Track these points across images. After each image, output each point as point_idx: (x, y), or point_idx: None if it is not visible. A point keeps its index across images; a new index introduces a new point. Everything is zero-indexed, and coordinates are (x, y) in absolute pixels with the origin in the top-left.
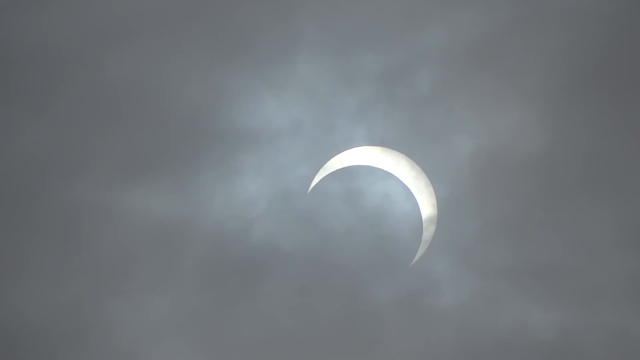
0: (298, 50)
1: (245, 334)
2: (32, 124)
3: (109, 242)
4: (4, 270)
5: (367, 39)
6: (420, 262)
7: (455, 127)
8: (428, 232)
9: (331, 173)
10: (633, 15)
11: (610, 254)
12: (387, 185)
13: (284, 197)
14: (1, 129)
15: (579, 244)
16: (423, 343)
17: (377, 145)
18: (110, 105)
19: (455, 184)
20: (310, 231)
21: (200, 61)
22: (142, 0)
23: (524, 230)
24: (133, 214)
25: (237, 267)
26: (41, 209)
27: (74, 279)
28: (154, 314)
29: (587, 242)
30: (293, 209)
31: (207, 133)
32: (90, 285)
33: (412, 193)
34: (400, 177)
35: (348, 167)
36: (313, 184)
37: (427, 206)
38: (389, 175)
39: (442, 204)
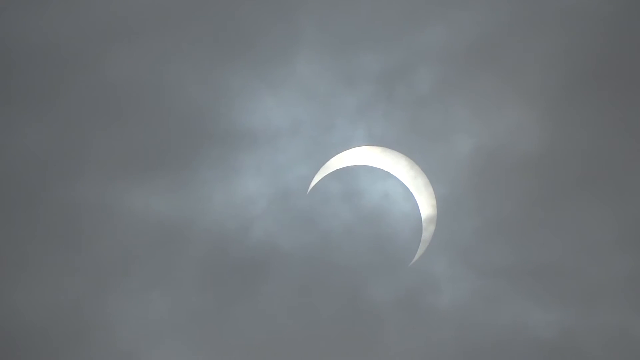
0: (298, 50)
1: (245, 333)
2: (32, 124)
3: (109, 242)
4: (4, 270)
5: (367, 38)
6: (419, 262)
7: (455, 127)
8: (427, 232)
9: (331, 173)
10: (633, 15)
11: (610, 254)
12: (386, 185)
13: (284, 196)
14: (1, 129)
15: (579, 244)
16: (423, 343)
17: (377, 145)
18: (110, 105)
19: (455, 184)
20: (310, 231)
21: (200, 61)
22: (142, 0)
23: (524, 230)
24: (133, 213)
25: (237, 267)
26: (41, 209)
27: (74, 279)
28: (153, 314)
29: (587, 242)
30: (293, 209)
31: (206, 132)
32: (90, 285)
33: (411, 193)
34: (400, 177)
35: (348, 167)
36: (313, 183)
37: (426, 206)
38: (388, 175)
39: (442, 204)
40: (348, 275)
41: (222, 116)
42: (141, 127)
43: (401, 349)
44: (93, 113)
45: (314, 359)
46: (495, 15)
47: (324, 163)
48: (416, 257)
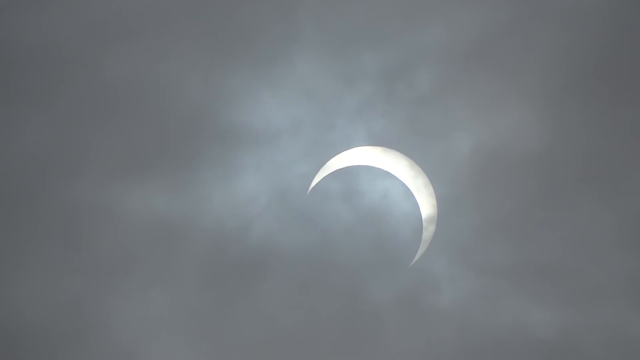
0: (298, 50)
1: (245, 332)
2: (32, 123)
3: (109, 241)
4: (4, 270)
5: (367, 38)
6: (420, 262)
7: (454, 127)
8: (428, 232)
9: (331, 173)
10: (633, 15)
11: (610, 254)
12: (386, 185)
13: (284, 196)
14: (1, 129)
15: (579, 243)
16: (423, 342)
17: (377, 145)
18: (110, 105)
19: (455, 183)
20: (309, 230)
21: (199, 61)
22: (142, 0)
23: (524, 230)
24: (133, 213)
25: (237, 266)
26: (41, 209)
27: (74, 279)
28: (153, 313)
29: (587, 242)
30: (292, 208)
31: (206, 132)
32: (90, 285)
33: (411, 193)
34: (400, 177)
35: (348, 167)
36: (313, 184)
37: (426, 206)
38: (388, 175)
39: (442, 204)
40: (348, 275)
41: (222, 116)
42: (141, 127)
43: (401, 348)
44: (93, 113)
45: (314, 358)
46: (495, 15)
47: (324, 163)
48: (416, 257)
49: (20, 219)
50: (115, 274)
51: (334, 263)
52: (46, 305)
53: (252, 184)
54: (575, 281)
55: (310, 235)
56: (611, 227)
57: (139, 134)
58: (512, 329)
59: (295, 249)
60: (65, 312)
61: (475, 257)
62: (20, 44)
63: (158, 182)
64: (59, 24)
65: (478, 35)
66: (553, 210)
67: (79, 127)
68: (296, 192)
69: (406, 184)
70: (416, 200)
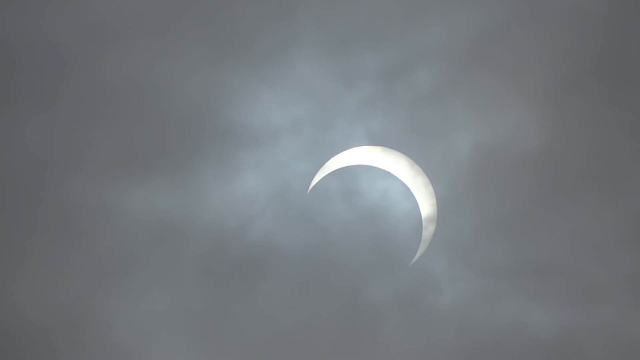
0: (297, 49)
1: (245, 332)
2: (32, 123)
3: (109, 241)
4: (4, 270)
5: (367, 37)
6: (419, 261)
7: (455, 126)
8: (427, 232)
9: (330, 172)
10: (633, 15)
11: (610, 254)
12: (386, 185)
13: (283, 195)
14: (1, 129)
15: (579, 243)
16: (422, 342)
17: (377, 145)
18: (109, 105)
19: (455, 183)
20: (309, 230)
21: (199, 60)
22: (142, 0)
23: (524, 229)
24: (133, 212)
25: (236, 265)
26: (41, 209)
27: (74, 278)
28: (153, 313)
29: (587, 242)
30: (292, 208)
31: (206, 132)
32: (90, 285)
33: (411, 192)
34: (400, 177)
35: (347, 166)
36: (313, 183)
37: (426, 205)
38: (388, 175)
39: (442, 203)
40: (348, 275)
41: (222, 115)
42: (141, 127)
43: (401, 348)
44: (93, 113)
45: (313, 358)
46: (495, 15)
47: (323, 162)
48: (416, 256)
49: (20, 219)
50: (115, 273)
51: (333, 263)
52: (46, 305)
53: (252, 183)
54: (575, 281)
55: (310, 234)
56: (611, 227)
57: (139, 134)
58: (512, 329)
59: (295, 248)
60: (65, 312)
61: (475, 257)
62: (20, 44)
63: (158, 182)
64: (59, 24)
65: (478, 35)
66: (553, 209)
67: (79, 127)
68: (296, 191)
69: (406, 183)
70: (416, 200)
